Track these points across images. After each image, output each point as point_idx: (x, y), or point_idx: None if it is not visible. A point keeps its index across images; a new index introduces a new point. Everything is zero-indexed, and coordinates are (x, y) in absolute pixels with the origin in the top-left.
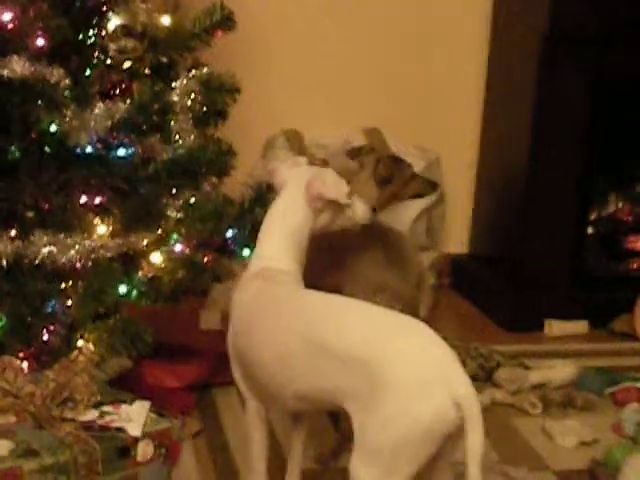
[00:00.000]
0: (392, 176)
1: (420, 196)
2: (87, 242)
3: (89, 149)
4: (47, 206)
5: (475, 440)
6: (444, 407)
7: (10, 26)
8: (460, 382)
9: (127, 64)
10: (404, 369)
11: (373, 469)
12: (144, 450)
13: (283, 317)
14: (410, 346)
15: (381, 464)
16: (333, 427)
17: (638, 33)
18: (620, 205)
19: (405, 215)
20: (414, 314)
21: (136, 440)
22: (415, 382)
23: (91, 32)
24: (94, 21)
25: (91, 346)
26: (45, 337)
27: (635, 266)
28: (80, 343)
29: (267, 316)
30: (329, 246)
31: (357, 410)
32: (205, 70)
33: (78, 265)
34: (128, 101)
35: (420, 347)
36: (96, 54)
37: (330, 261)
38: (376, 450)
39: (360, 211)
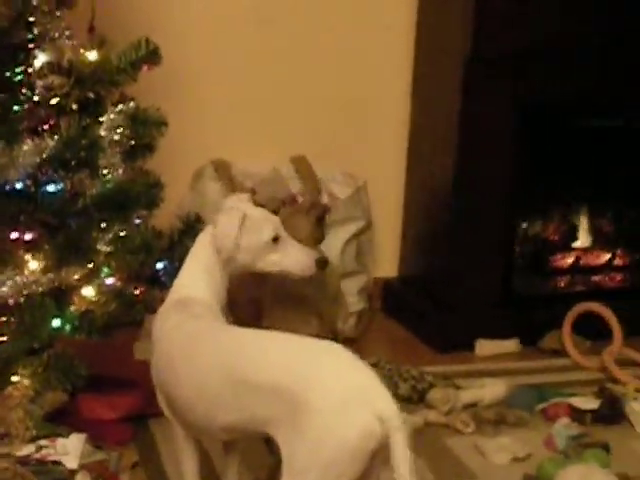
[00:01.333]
0: None
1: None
2: (19, 278)
3: (18, 185)
4: None
5: (401, 452)
6: (368, 424)
7: None
8: (381, 398)
9: (54, 100)
10: (325, 393)
11: None
12: None
13: (202, 354)
14: (330, 370)
15: None
16: (268, 451)
17: (559, 54)
18: (546, 224)
19: (334, 240)
20: (332, 327)
21: (73, 473)
22: (337, 404)
23: (18, 69)
24: (21, 58)
25: (26, 381)
26: None
27: (562, 284)
28: (15, 378)
29: (187, 354)
30: None
31: (284, 437)
32: (132, 104)
33: (11, 301)
34: (56, 137)
35: (339, 370)
36: (23, 91)
37: (250, 276)
38: (305, 473)
39: (294, 261)
